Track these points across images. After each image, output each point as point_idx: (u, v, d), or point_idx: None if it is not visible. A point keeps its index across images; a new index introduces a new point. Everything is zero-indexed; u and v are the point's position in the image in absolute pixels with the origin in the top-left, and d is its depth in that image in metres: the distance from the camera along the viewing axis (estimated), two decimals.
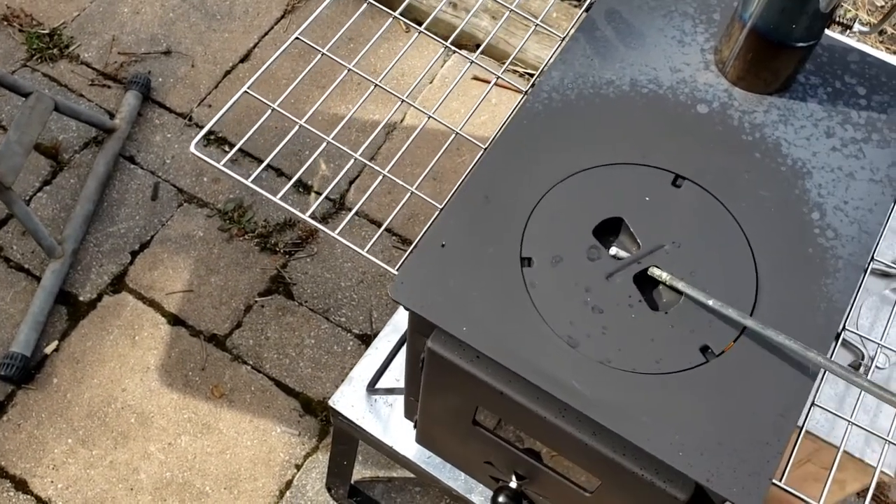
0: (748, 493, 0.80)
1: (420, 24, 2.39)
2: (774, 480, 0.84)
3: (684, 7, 1.08)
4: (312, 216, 1.98)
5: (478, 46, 2.36)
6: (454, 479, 1.37)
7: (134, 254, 1.99)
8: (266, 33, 2.34)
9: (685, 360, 0.87)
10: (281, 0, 2.39)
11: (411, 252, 0.92)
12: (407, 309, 0.90)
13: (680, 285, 0.89)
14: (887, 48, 2.36)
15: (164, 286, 1.95)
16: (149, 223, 2.03)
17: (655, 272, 0.91)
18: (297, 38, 1.08)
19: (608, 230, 0.94)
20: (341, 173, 1.05)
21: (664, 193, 0.95)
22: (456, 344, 0.89)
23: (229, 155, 0.98)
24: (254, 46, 2.31)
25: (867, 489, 0.92)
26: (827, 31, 1.01)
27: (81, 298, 1.92)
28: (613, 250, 0.92)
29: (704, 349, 0.88)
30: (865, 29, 0.95)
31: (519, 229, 0.92)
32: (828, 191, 0.96)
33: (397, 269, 0.91)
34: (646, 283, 0.92)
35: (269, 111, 1.02)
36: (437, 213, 0.96)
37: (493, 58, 2.35)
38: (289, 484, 1.76)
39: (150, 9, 2.35)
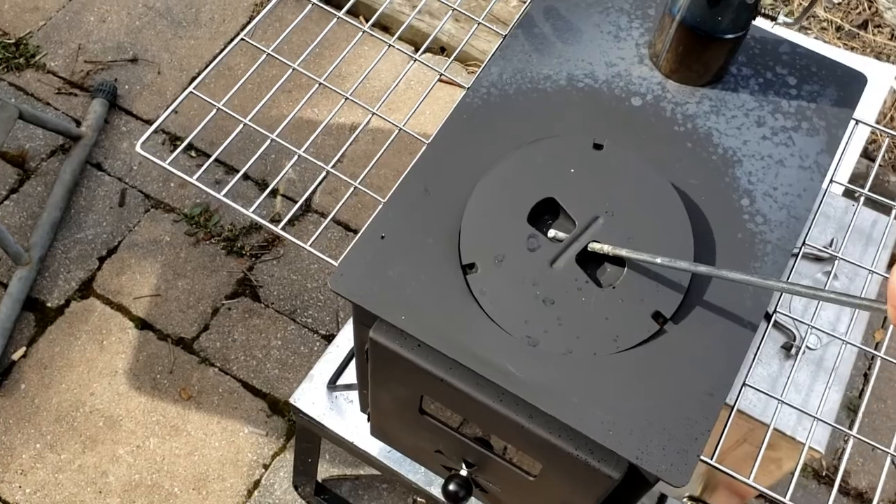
0: (677, 469, 0.83)
1: (387, 29, 2.41)
2: (706, 458, 0.86)
3: (620, 3, 1.11)
4: (272, 218, 2.01)
5: (442, 49, 2.39)
6: (414, 472, 1.39)
7: (101, 259, 2.01)
8: (232, 39, 2.36)
9: (641, 331, 0.89)
10: (247, 7, 2.42)
11: (354, 245, 0.94)
12: (347, 299, 0.92)
13: (623, 252, 0.89)
14: (844, 44, 2.41)
15: (131, 291, 1.97)
16: (116, 229, 2.05)
17: (595, 247, 0.92)
18: (242, 39, 1.10)
19: (543, 212, 0.95)
20: (283, 172, 1.07)
21: (589, 161, 0.96)
22: (397, 333, 0.91)
23: (173, 155, 1.00)
24: (220, 52, 2.33)
25: (805, 466, 0.95)
26: (766, 26, 1.04)
27: (49, 305, 1.94)
28: (552, 232, 0.93)
29: (656, 315, 0.90)
30: (789, 20, 0.98)
31: (457, 220, 0.94)
32: (758, 178, 0.99)
33: (339, 262, 0.93)
34: (589, 261, 0.93)
35: (214, 111, 1.04)
36: (379, 206, 0.98)
37: (458, 60, 2.38)
38: (257, 483, 1.77)
39: (117, 17, 2.37)
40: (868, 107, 1.71)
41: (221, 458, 1.79)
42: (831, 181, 1.07)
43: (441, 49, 2.39)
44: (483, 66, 1.07)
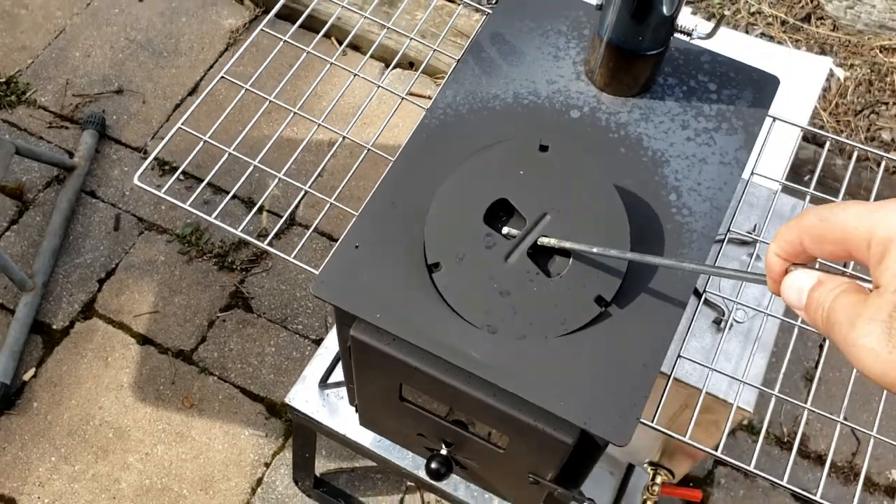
0: (619, 431, 0.96)
1: (359, 49, 2.53)
2: (646, 421, 1.00)
3: (558, 26, 1.25)
4: (259, 233, 2.14)
5: (411, 64, 2.53)
6: (402, 458, 1.52)
7: (101, 281, 2.13)
8: (211, 66, 2.49)
9: (585, 314, 1.01)
10: (223, 35, 2.55)
11: (331, 255, 1.07)
12: (328, 303, 1.05)
13: (567, 245, 1.01)
14: (790, 37, 2.55)
15: (131, 309, 2.09)
16: (113, 252, 2.17)
17: (544, 241, 1.04)
18: (223, 77, 1.23)
19: (497, 212, 1.08)
20: (267, 191, 1.20)
21: (536, 163, 1.09)
22: (374, 330, 1.04)
23: (169, 183, 1.13)
24: (200, 80, 2.46)
25: (767, 434, 1.07)
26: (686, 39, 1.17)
27: (55, 327, 2.06)
28: (505, 230, 1.05)
29: (598, 300, 1.03)
30: (703, 35, 1.12)
31: (421, 226, 1.07)
32: (683, 175, 1.12)
33: (320, 271, 1.06)
34: (539, 254, 1.06)
35: (201, 143, 1.17)
36: (353, 219, 1.11)
37: (427, 74, 2.51)
38: (259, 481, 1.90)
39: (100, 51, 2.50)
40: (805, 98, 1.85)
41: (225, 459, 1.92)
42: (752, 173, 1.21)
43: (410, 64, 2.52)
44: (438, 89, 1.20)
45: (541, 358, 1.00)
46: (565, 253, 1.06)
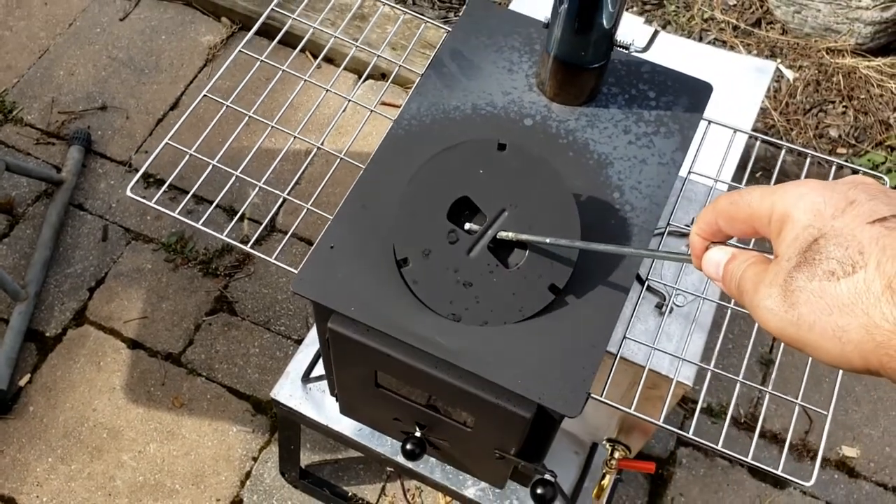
0: (570, 404, 1.07)
1: (332, 62, 2.64)
2: (595, 395, 1.12)
3: (512, 42, 1.36)
4: (241, 240, 2.24)
5: (383, 75, 2.64)
6: (381, 445, 1.63)
7: (91, 290, 2.23)
8: (191, 82, 2.59)
9: (540, 301, 1.12)
10: (202, 51, 2.65)
11: (309, 255, 1.18)
12: (307, 298, 1.16)
13: (524, 237, 1.12)
14: (742, 41, 2.69)
15: (121, 315, 2.19)
16: (102, 262, 2.27)
17: (503, 235, 1.14)
18: (205, 95, 1.33)
19: (460, 209, 1.18)
20: (248, 200, 1.30)
21: (494, 162, 1.19)
22: (350, 322, 1.15)
23: (158, 194, 1.24)
24: (181, 94, 2.57)
25: (723, 414, 1.19)
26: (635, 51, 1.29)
27: (48, 334, 2.16)
28: (468, 226, 1.15)
29: (552, 288, 1.13)
30: (640, 49, 1.24)
31: (390, 226, 1.18)
32: (626, 175, 1.24)
33: (298, 270, 1.17)
34: (499, 248, 1.16)
35: (187, 157, 1.27)
36: (328, 223, 1.22)
37: (399, 84, 2.63)
38: (248, 474, 2.01)
39: (84, 69, 2.59)
40: (752, 100, 1.98)
41: (215, 455, 2.02)
42: (690, 171, 1.33)
43: (382, 75, 2.64)
44: (404, 102, 1.32)
45: (501, 342, 1.11)
46: (522, 245, 1.17)
